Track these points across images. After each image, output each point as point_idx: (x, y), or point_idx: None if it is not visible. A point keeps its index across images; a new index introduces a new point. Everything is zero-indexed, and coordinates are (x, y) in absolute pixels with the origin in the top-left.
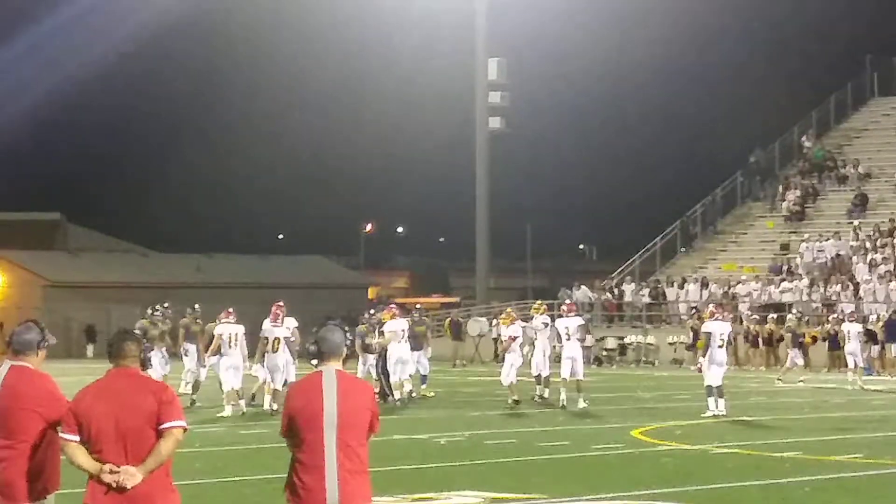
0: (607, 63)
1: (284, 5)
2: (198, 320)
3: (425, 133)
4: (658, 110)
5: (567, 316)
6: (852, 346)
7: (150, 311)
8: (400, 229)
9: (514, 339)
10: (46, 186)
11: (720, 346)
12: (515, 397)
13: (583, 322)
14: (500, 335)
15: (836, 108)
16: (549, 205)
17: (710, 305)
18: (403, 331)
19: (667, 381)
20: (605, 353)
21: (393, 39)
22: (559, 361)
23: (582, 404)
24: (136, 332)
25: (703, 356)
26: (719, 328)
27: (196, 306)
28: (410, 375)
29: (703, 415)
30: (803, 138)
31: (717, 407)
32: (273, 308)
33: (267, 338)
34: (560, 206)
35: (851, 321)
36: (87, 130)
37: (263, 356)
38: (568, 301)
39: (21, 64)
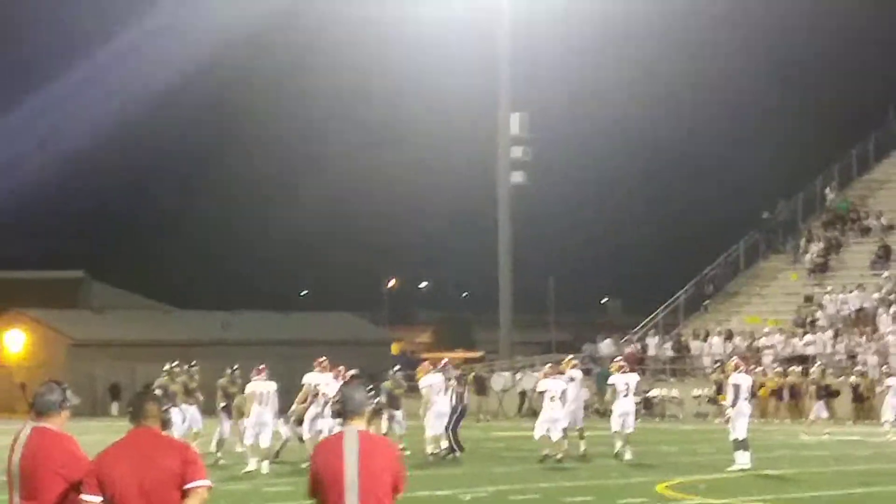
0: (629, 117)
1: (304, 62)
2: (236, 381)
3: (448, 187)
4: (681, 164)
5: (625, 372)
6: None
7: (168, 367)
8: (423, 284)
9: (543, 392)
10: (69, 245)
11: (746, 399)
12: (554, 453)
13: (639, 378)
14: (524, 389)
15: (859, 160)
16: (572, 258)
17: (735, 358)
18: (441, 384)
19: (691, 434)
20: None
21: (416, 93)
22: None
23: (629, 455)
24: (157, 390)
25: (732, 408)
26: (746, 380)
27: (236, 368)
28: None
29: (730, 468)
30: (827, 189)
31: (745, 460)
32: (322, 362)
33: (325, 394)
34: (583, 259)
35: (891, 375)
36: (109, 188)
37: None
38: (619, 357)
39: (39, 123)
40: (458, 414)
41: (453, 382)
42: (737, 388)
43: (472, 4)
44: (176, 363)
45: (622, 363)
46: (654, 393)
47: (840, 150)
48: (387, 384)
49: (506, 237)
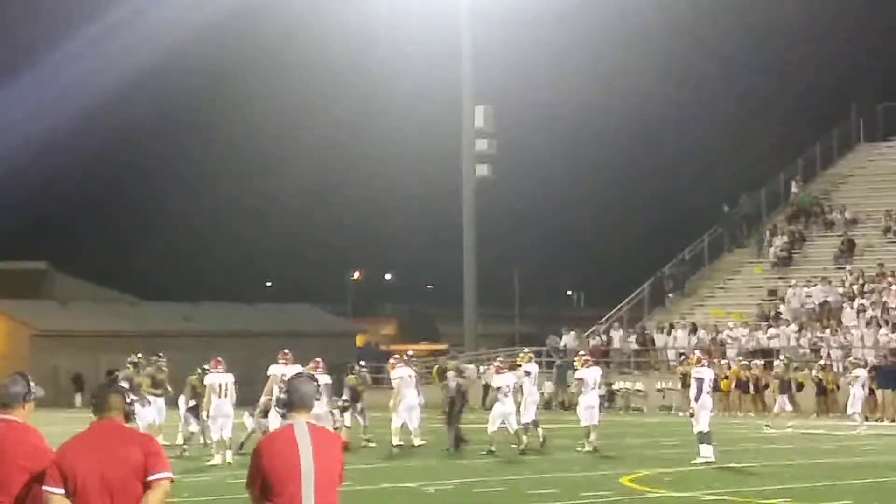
0: (593, 110)
1: (271, 55)
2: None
3: (412, 180)
4: (645, 157)
5: (588, 366)
6: (862, 392)
7: (132, 359)
8: (388, 276)
9: (498, 388)
10: (33, 235)
11: (708, 392)
12: (518, 445)
13: (602, 372)
14: (488, 382)
15: (822, 155)
16: (537, 251)
17: (696, 351)
18: (411, 377)
19: (655, 427)
20: None
21: (380, 87)
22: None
23: (594, 441)
24: (123, 382)
25: (696, 402)
26: (708, 374)
27: (205, 366)
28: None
29: (694, 461)
30: (792, 182)
31: (708, 453)
32: (287, 355)
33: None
34: (547, 252)
35: (858, 367)
36: (73, 178)
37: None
38: (583, 352)
39: (4, 112)
40: (459, 407)
41: (453, 375)
42: (699, 381)
43: None
44: (140, 355)
45: (587, 357)
46: (618, 386)
47: (804, 145)
48: (350, 379)
49: (470, 230)
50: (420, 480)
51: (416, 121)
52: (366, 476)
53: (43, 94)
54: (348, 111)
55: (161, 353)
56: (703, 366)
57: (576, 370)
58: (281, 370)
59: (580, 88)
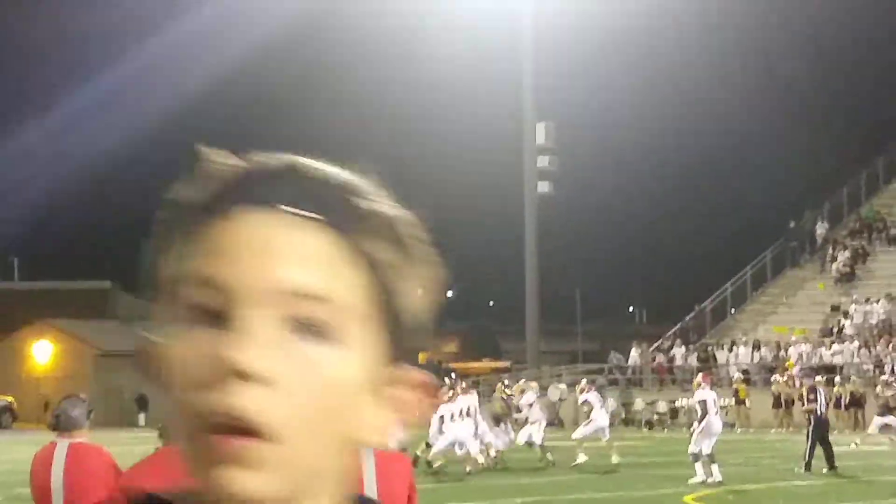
0: (655, 127)
1: (332, 69)
2: None
3: (474, 197)
4: (706, 173)
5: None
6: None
7: None
8: (449, 293)
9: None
10: (96, 255)
11: (716, 414)
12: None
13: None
14: (553, 400)
15: (885, 169)
16: (598, 268)
17: (700, 374)
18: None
19: (719, 444)
20: (656, 416)
21: (442, 104)
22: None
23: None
24: None
25: (699, 423)
26: (711, 395)
27: None
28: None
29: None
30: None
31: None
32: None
33: None
34: (609, 268)
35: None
36: (136, 198)
37: None
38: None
39: (69, 133)
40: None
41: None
42: (703, 403)
43: (497, 14)
44: None
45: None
46: (681, 402)
47: (867, 159)
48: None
49: (532, 246)
50: (482, 500)
51: (479, 137)
52: (435, 497)
53: (104, 113)
54: (411, 126)
55: None
56: (705, 388)
57: None
58: None
59: (642, 105)
